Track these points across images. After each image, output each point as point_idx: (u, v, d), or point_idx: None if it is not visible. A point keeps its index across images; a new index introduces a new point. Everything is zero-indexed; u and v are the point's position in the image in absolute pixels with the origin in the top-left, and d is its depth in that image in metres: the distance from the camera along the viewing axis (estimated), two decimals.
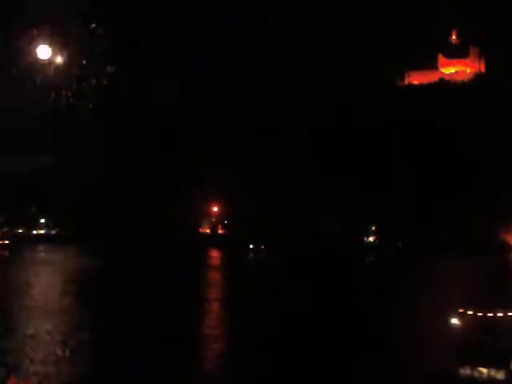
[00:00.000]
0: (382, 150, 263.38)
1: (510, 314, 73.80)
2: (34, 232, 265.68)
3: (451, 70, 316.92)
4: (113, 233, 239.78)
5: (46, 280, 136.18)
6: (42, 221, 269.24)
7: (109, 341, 79.84)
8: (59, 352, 77.73)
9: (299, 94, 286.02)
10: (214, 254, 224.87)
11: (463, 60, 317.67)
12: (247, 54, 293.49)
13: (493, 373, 69.18)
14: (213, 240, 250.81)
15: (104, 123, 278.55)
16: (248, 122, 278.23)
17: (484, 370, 69.24)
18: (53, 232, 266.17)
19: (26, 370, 67.44)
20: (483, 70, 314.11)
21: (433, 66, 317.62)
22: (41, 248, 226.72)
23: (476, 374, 69.43)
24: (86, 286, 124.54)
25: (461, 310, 75.57)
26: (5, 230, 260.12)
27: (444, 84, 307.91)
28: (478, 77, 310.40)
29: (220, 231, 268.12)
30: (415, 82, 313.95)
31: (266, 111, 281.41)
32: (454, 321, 74.96)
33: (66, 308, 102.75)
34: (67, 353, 75.78)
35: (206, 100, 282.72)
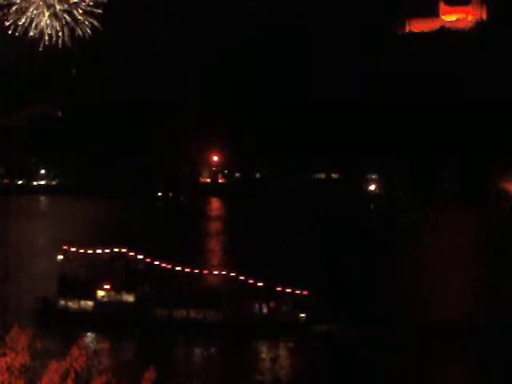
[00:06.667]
0: (380, 98, 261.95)
1: (106, 251, 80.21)
2: (35, 183, 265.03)
3: (452, 17, 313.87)
4: (113, 182, 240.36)
5: None
6: (43, 172, 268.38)
7: None
8: None
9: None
10: None
11: (465, 7, 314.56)
12: None
13: (83, 303, 77.17)
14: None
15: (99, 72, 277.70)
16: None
17: (76, 301, 76.98)
18: (53, 183, 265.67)
19: None
20: (485, 17, 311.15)
21: (434, 13, 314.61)
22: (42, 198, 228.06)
23: (70, 304, 77.18)
24: None
25: (65, 247, 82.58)
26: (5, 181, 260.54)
27: (445, 32, 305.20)
28: (479, 24, 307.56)
29: (220, 180, 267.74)
30: (416, 30, 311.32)
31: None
32: (60, 256, 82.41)
33: None
34: None
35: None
